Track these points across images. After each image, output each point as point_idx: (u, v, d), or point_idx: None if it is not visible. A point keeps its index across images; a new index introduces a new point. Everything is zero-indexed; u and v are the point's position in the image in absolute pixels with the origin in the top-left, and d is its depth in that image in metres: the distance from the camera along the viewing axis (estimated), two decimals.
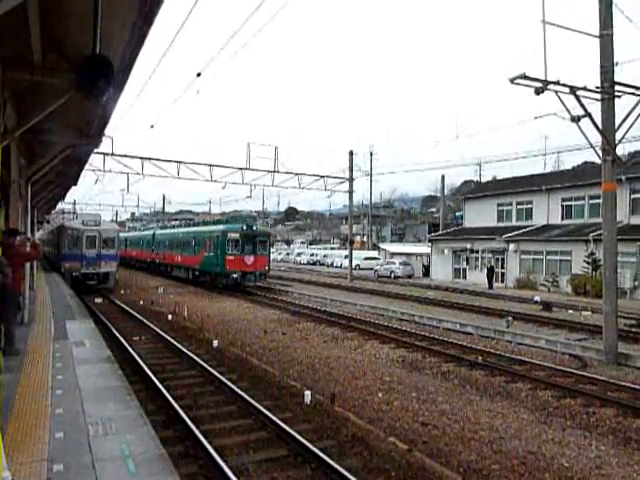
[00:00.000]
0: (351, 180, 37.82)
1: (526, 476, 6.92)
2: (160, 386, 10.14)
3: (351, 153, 38.04)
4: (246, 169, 32.03)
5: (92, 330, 14.44)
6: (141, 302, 24.90)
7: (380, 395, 10.43)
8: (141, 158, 29.63)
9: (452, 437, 8.25)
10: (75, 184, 23.15)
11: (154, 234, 45.00)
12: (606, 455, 7.71)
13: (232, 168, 32.23)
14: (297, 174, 34.60)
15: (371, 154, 39.93)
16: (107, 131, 13.43)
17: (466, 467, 7.13)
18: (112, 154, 28.21)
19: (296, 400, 9.77)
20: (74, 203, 62.11)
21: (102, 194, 79.35)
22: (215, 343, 14.91)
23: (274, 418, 8.38)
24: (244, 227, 30.29)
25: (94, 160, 26.82)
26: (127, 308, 22.06)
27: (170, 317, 20.10)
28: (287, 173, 34.05)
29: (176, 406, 8.90)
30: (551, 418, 9.38)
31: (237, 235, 29.83)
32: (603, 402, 10.19)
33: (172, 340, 15.07)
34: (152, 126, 23.10)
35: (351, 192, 37.91)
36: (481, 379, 11.90)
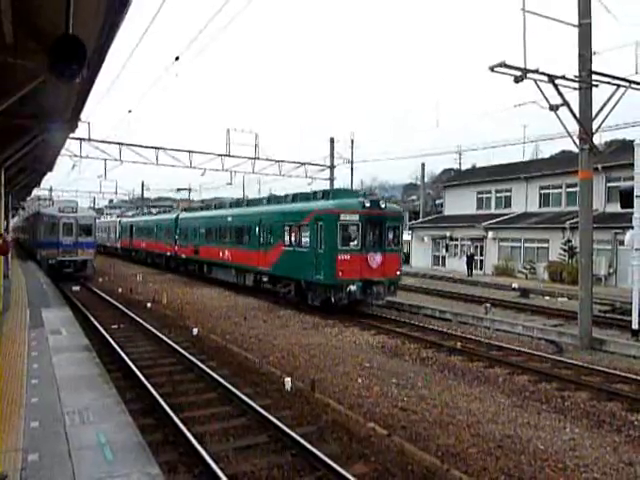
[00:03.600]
0: (332, 167, 37.72)
1: (503, 459, 7.04)
2: (139, 374, 10.05)
3: (332, 140, 37.89)
4: (226, 156, 31.68)
5: (69, 318, 14.26)
6: (120, 290, 24.61)
7: (360, 381, 10.50)
8: (119, 144, 29.09)
9: (431, 422, 8.35)
10: (51, 170, 22.63)
11: (177, 218, 34.15)
12: (580, 437, 7.88)
13: (212, 155, 31.84)
14: (278, 161, 34.35)
15: (352, 142, 39.78)
16: (83, 116, 13.12)
17: (444, 451, 7.22)
18: (89, 139, 27.62)
19: (276, 387, 9.79)
20: (50, 190, 60.97)
21: (79, 180, 77.83)
22: (195, 331, 14.83)
23: (254, 405, 8.39)
24: (367, 204, 17.69)
25: (70, 145, 26.28)
26: (105, 296, 21.79)
27: (149, 305, 19.91)
28: (268, 160, 33.77)
29: (155, 394, 8.84)
30: (527, 402, 9.55)
31: (356, 217, 17.41)
32: (577, 386, 10.41)
33: (151, 328, 14.95)
34: (130, 111, 22.74)
35: (332, 179, 37.82)
36: (460, 365, 12.06)
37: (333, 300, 17.41)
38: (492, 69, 13.38)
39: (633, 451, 7.42)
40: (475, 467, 6.75)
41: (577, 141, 14.65)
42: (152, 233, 39.04)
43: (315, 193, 20.49)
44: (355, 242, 17.62)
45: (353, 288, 17.02)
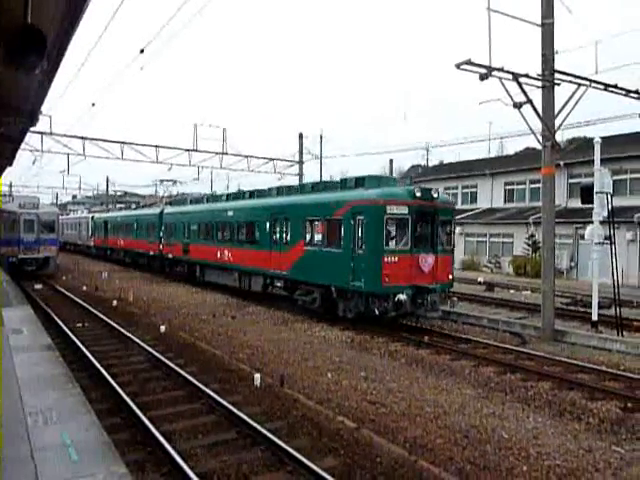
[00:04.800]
0: (301, 163, 37.69)
1: (469, 448, 7.19)
2: (105, 373, 9.88)
3: (301, 136, 37.85)
4: (193, 150, 31.30)
5: (31, 317, 13.88)
6: (84, 288, 24.07)
7: (329, 375, 10.55)
8: (82, 138, 28.41)
9: (399, 414, 8.46)
10: (10, 164, 21.92)
11: (162, 213, 30.54)
12: (542, 426, 8.11)
13: (179, 149, 31.42)
14: (246, 156, 34.12)
15: (321, 137, 39.83)
16: (44, 108, 12.76)
17: (412, 442, 7.33)
18: (51, 133, 26.91)
19: (245, 383, 9.76)
20: (10, 185, 58.98)
21: (40, 175, 75.51)
22: (162, 328, 14.64)
23: (223, 401, 8.35)
24: (417, 193, 14.36)
25: (31, 139, 25.54)
26: (69, 294, 21.29)
27: (115, 303, 19.54)
28: (236, 155, 33.52)
29: (121, 393, 8.70)
30: (492, 393, 9.77)
31: (405, 210, 14.19)
32: (540, 376, 10.70)
33: (117, 326, 14.68)
34: (93, 104, 22.14)
35: (301, 175, 37.78)
36: (427, 358, 12.24)
37: (377, 312, 14.05)
38: (458, 66, 13.58)
39: (592, 438, 7.68)
40: (442, 457, 6.88)
41: (540, 138, 15.01)
42: (131, 230, 35.24)
43: (344, 181, 16.97)
44: (404, 241, 14.37)
45: (402, 297, 13.69)
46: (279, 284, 18.73)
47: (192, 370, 10.53)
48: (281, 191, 20.24)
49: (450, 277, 15.60)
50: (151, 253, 31.58)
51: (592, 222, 15.03)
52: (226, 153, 32.51)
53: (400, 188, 15.33)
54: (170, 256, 28.44)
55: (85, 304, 18.57)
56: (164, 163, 31.59)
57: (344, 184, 16.64)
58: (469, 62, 13.48)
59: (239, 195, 23.86)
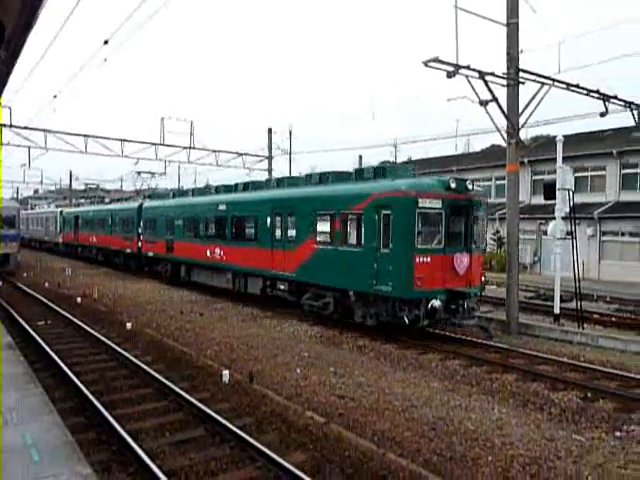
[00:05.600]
0: (270, 158, 37.48)
1: (435, 440, 7.32)
2: (68, 371, 9.65)
3: (270, 131, 37.61)
4: (160, 144, 30.76)
5: None
6: (47, 285, 23.46)
7: (298, 371, 10.56)
8: (44, 130, 27.57)
9: (367, 408, 8.53)
10: None
11: (140, 207, 28.21)
12: (507, 417, 8.31)
13: (145, 143, 30.81)
14: (214, 151, 33.71)
15: (290, 132, 39.67)
16: (4, 100, 12.35)
17: (380, 436, 7.41)
18: (10, 125, 26.01)
19: (214, 380, 9.69)
20: None
21: None
22: (128, 325, 14.40)
23: (191, 399, 8.27)
24: (452, 184, 12.81)
25: None
26: (31, 291, 20.71)
27: (79, 300, 19.09)
28: (203, 150, 33.09)
29: (86, 391, 8.53)
30: (459, 385, 9.96)
31: (438, 204, 12.66)
32: (505, 369, 10.96)
33: (81, 324, 14.36)
34: (55, 96, 21.51)
35: (270, 170, 37.58)
36: (395, 352, 12.37)
37: (407, 321, 12.35)
38: (426, 64, 13.72)
39: (554, 427, 7.91)
40: (410, 449, 6.98)
41: (505, 136, 15.32)
42: (105, 226, 32.84)
43: (360, 171, 15.25)
44: (437, 239, 12.74)
45: (437, 304, 12.12)
46: (282, 287, 16.77)
47: (159, 367, 10.39)
48: (282, 183, 18.30)
49: (483, 279, 14.31)
50: (128, 251, 29.46)
51: (554, 218, 15.43)
52: (194, 147, 32.06)
53: (431, 179, 13.86)
54: (150, 254, 26.31)
55: (48, 302, 18.09)
56: (130, 157, 30.92)
57: (359, 175, 14.91)
58: (437, 60, 13.63)
59: (232, 188, 21.51)
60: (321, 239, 14.97)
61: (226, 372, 9.74)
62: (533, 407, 8.83)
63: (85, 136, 28.86)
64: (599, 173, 31.91)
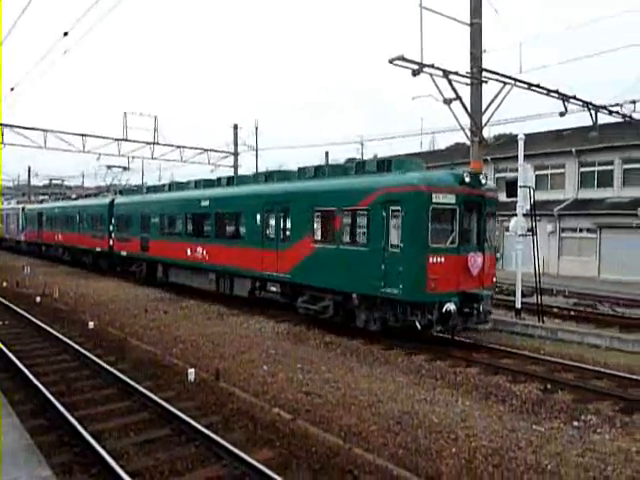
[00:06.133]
0: (236, 154, 37.19)
1: (401, 434, 7.42)
2: (27, 372, 9.37)
3: (235, 127, 37.34)
4: (123, 140, 30.15)
5: None
6: (4, 284, 22.70)
7: (265, 368, 10.54)
8: (0, 125, 26.65)
9: (334, 404, 8.58)
10: None
11: (112, 203, 26.73)
12: (470, 409, 8.49)
13: (107, 139, 30.16)
14: (179, 146, 33.27)
15: (256, 128, 39.45)
16: None
17: (347, 431, 7.47)
18: None
19: (179, 378, 9.58)
20: None
21: None
22: (91, 324, 14.08)
23: (155, 398, 8.15)
24: (466, 178, 12.01)
25: None
26: None
27: (39, 299, 18.55)
28: (168, 145, 32.62)
29: (47, 393, 8.30)
30: (424, 379, 10.11)
31: (452, 199, 11.83)
32: (468, 362, 11.18)
33: (41, 323, 13.96)
34: (12, 89, 20.80)
35: (236, 167, 37.30)
36: (362, 348, 12.47)
37: (419, 326, 11.56)
38: (391, 62, 13.87)
39: (515, 419, 8.13)
40: (375, 444, 7.05)
41: (469, 134, 15.61)
42: (73, 223, 31.20)
43: (361, 164, 14.16)
44: (451, 237, 11.88)
45: (451, 307, 11.39)
46: (274, 288, 15.62)
47: (123, 367, 10.20)
48: (272, 177, 17.04)
49: (494, 280, 13.41)
50: (98, 249, 27.88)
51: (516, 215, 15.80)
52: (157, 143, 31.57)
53: (443, 172, 12.92)
54: (123, 253, 24.92)
55: (5, 301, 17.51)
56: (92, 152, 30.27)
57: (360, 168, 13.87)
58: (402, 58, 13.80)
59: (214, 182, 20.42)
60: (320, 237, 13.95)
61: (192, 370, 9.64)
62: (495, 399, 9.05)
63: (44, 131, 28.07)
64: (559, 171, 32.85)
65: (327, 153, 51.84)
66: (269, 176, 17.31)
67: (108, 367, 9.87)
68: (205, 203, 18.88)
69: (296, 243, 14.54)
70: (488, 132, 26.24)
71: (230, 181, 19.31)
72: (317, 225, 14.09)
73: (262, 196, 16.22)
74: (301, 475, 6.02)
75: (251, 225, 16.36)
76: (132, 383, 8.89)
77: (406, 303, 11.78)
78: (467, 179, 11.95)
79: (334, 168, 15.25)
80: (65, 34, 12.93)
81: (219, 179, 20.36)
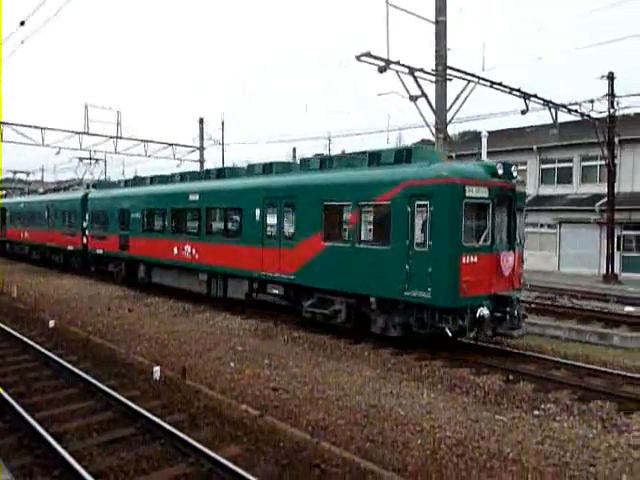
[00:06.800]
0: (202, 149, 36.75)
1: (368, 427, 7.50)
2: None
3: (201, 121, 36.88)
4: (84, 133, 29.37)
5: None
6: None
7: (232, 365, 10.48)
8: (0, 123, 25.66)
9: (302, 399, 8.61)
10: None
11: (86, 197, 25.03)
12: (435, 401, 8.64)
13: (68, 132, 29.34)
14: (143, 141, 32.63)
15: (223, 123, 39.06)
16: None
17: (314, 425, 7.50)
18: None
19: (144, 377, 9.45)
20: None
21: None
22: (51, 323, 13.71)
23: (120, 397, 8.01)
24: (499, 170, 11.17)
25: None
26: None
27: None
28: (131, 139, 31.95)
29: (5, 394, 8.04)
30: (390, 373, 10.24)
31: (485, 193, 10.93)
32: (433, 356, 11.37)
33: None
34: None
35: (202, 161, 36.87)
36: (329, 342, 12.53)
37: (449, 333, 10.52)
38: (358, 58, 13.94)
39: (479, 409, 8.32)
40: (343, 437, 7.11)
41: (434, 131, 15.84)
42: (41, 220, 29.20)
43: (375, 155, 12.69)
44: (485, 235, 10.94)
45: (484, 312, 10.40)
46: (276, 291, 14.34)
47: (85, 366, 9.97)
48: (270, 169, 15.59)
49: (522, 280, 12.53)
50: (70, 248, 26.08)
51: None
52: (121, 137, 30.89)
53: (474, 163, 12.04)
54: (99, 252, 23.22)
55: None
56: (51, 147, 29.38)
57: (375, 159, 12.59)
58: (368, 54, 13.89)
59: (203, 175, 19.03)
60: (331, 235, 12.75)
61: (157, 368, 9.51)
62: (460, 391, 9.24)
63: (1, 123, 27.09)
64: (521, 168, 33.62)
65: (294, 149, 51.72)
66: (267, 168, 15.80)
67: (70, 366, 9.63)
68: (194, 197, 17.43)
69: (302, 241, 13.29)
70: (453, 129, 26.68)
71: (221, 173, 17.85)
72: (327, 221, 12.88)
73: (262, 189, 14.85)
74: (268, 470, 6.02)
75: (249, 221, 14.97)
76: (95, 382, 8.71)
77: (435, 308, 10.68)
78: (500, 171, 11.11)
79: (341, 159, 14.17)
80: (22, 23, 12.51)
81: (208, 171, 19.04)
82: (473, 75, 15.95)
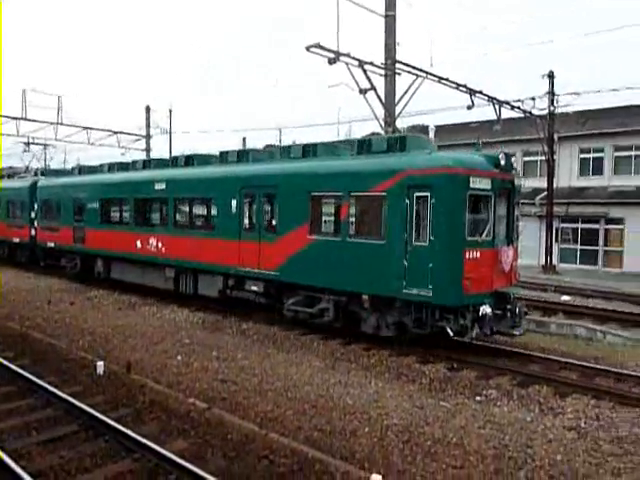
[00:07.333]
0: (148, 137, 35.79)
1: (316, 417, 7.57)
2: None
3: (148, 109, 35.91)
4: (22, 119, 27.98)
5: None
6: None
7: (179, 358, 10.32)
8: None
9: (250, 391, 8.59)
10: None
11: (34, 186, 23.35)
12: (382, 390, 8.82)
13: (4, 117, 27.87)
14: (85, 128, 31.41)
15: (170, 111, 38.12)
16: None
17: (263, 417, 7.51)
18: None
19: (87, 372, 9.17)
20: None
21: None
22: None
23: (61, 394, 7.74)
24: (502, 161, 10.67)
25: None
26: None
27: None
28: (73, 126, 30.70)
29: None
30: (339, 363, 10.36)
31: (487, 185, 10.44)
32: (381, 345, 11.57)
33: None
34: None
35: (148, 150, 35.91)
36: (279, 333, 12.54)
37: (451, 332, 10.09)
38: (308, 49, 13.90)
39: (424, 396, 8.56)
40: (291, 428, 7.15)
41: (383, 124, 16.02)
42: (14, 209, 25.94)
43: (365, 143, 12.02)
44: (487, 229, 10.51)
45: (487, 310, 9.92)
46: (255, 288, 13.36)
47: (23, 363, 9.56)
48: (246, 156, 14.65)
49: (518, 275, 12.11)
50: (16, 240, 24.29)
51: None
52: (62, 123, 29.62)
53: (476, 153, 11.24)
54: (50, 245, 21.48)
55: None
56: None
57: (365, 147, 11.86)
58: (318, 46, 13.88)
59: (169, 162, 17.68)
60: (319, 228, 12.06)
61: (100, 363, 9.24)
62: (406, 379, 9.46)
63: None
64: None
65: (244, 139, 51.10)
66: (241, 155, 14.84)
67: (6, 363, 9.20)
68: (161, 186, 16.10)
69: (286, 234, 12.41)
70: (401, 123, 27.11)
71: (189, 161, 16.53)
72: (315, 213, 12.11)
73: (239, 178, 13.82)
74: (217, 463, 5.98)
75: (224, 213, 13.91)
76: (34, 379, 8.36)
77: (435, 306, 10.16)
78: (502, 162, 10.60)
79: (328, 147, 13.27)
80: None
81: (175, 158, 17.51)
82: (421, 70, 16.21)
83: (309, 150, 13.11)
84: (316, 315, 12.14)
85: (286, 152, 13.83)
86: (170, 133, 38.07)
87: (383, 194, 10.74)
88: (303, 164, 12.78)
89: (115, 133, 33.28)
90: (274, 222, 12.89)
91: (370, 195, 11.07)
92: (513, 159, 11.19)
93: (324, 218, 12.17)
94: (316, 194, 12.01)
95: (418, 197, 10.23)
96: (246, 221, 13.52)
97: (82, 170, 22.17)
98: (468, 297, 9.95)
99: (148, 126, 35.92)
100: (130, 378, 8.90)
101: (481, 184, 10.19)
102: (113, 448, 6.36)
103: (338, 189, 11.56)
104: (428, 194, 10.07)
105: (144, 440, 6.20)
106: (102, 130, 32.70)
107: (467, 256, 9.95)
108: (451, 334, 10.11)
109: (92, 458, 6.11)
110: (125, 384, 8.61)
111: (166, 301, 16.15)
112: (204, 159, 16.45)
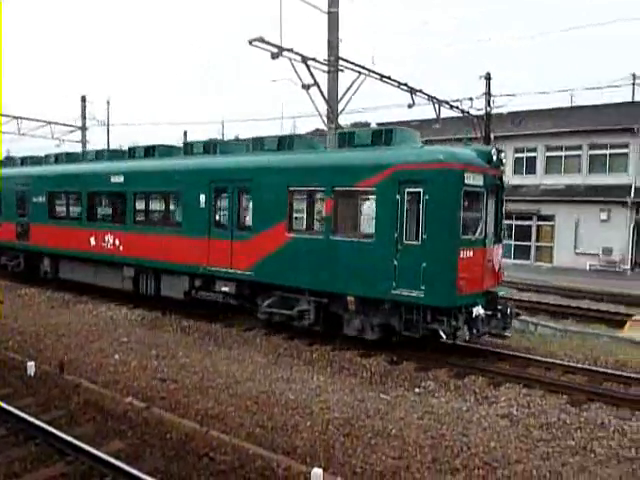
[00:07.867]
0: (84, 129, 34.33)
1: (258, 413, 7.54)
2: None
3: (84, 99, 34.41)
4: None
5: None
6: None
7: (117, 357, 10.01)
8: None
9: (191, 388, 8.44)
10: None
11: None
12: (324, 384, 8.89)
13: None
14: (16, 117, 29.78)
15: (108, 103, 36.78)
16: None
17: (204, 414, 7.40)
18: None
19: (17, 374, 8.74)
20: None
21: None
22: None
23: None
24: (494, 157, 10.39)
25: None
26: None
27: None
28: (2, 115, 29.03)
29: None
30: (282, 359, 10.35)
31: (480, 181, 10.00)
32: (323, 340, 11.65)
33: None
34: None
35: (84, 142, 34.45)
36: (221, 330, 12.38)
37: (443, 335, 9.61)
38: (250, 42, 13.73)
39: (365, 390, 8.70)
40: (232, 425, 7.09)
41: (325, 120, 16.08)
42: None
43: (347, 136, 11.40)
44: (480, 227, 10.18)
45: (480, 311, 9.68)
46: (226, 288, 12.47)
47: None
48: (213, 148, 13.73)
49: (504, 274, 11.84)
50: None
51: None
52: None
53: (469, 147, 10.92)
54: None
55: None
56: None
57: (347, 140, 11.25)
58: (261, 40, 13.73)
59: (126, 154, 16.29)
60: (299, 225, 11.47)
61: (31, 364, 8.82)
62: (348, 373, 9.58)
63: None
64: None
65: (185, 132, 50.01)
66: (208, 147, 13.83)
67: None
68: (118, 179, 14.92)
69: (262, 232, 11.63)
70: (344, 119, 27.35)
71: (149, 152, 15.20)
72: (294, 210, 11.46)
73: (207, 171, 12.94)
74: (154, 463, 5.84)
75: (192, 208, 12.98)
76: None
77: (427, 308, 9.69)
78: (494, 157, 10.27)
79: (305, 139, 12.70)
80: None
81: (133, 149, 15.96)
82: (364, 67, 16.35)
83: (284, 142, 12.37)
84: (295, 317, 11.49)
85: (259, 144, 12.90)
86: (108, 125, 36.77)
87: (371, 189, 10.24)
88: (281, 157, 11.98)
89: (49, 123, 31.71)
90: (248, 218, 12.28)
91: (356, 190, 10.59)
92: (503, 155, 10.77)
93: (304, 215, 11.58)
94: (296, 189, 11.42)
95: (410, 193, 9.73)
96: (216, 217, 12.74)
97: (25, 161, 20.37)
98: (462, 298, 9.55)
99: (84, 117, 34.46)
100: (63, 378, 8.55)
101: (475, 180, 9.80)
102: (44, 452, 6.10)
103: (321, 184, 10.94)
104: (421, 190, 9.57)
105: (77, 442, 5.98)
106: (34, 120, 31.10)
107: (461, 255, 9.54)
108: (444, 337, 9.65)
109: (22, 462, 5.84)
110: (58, 385, 8.26)
111: (102, 298, 15.56)
112: (166, 150, 15.23)
